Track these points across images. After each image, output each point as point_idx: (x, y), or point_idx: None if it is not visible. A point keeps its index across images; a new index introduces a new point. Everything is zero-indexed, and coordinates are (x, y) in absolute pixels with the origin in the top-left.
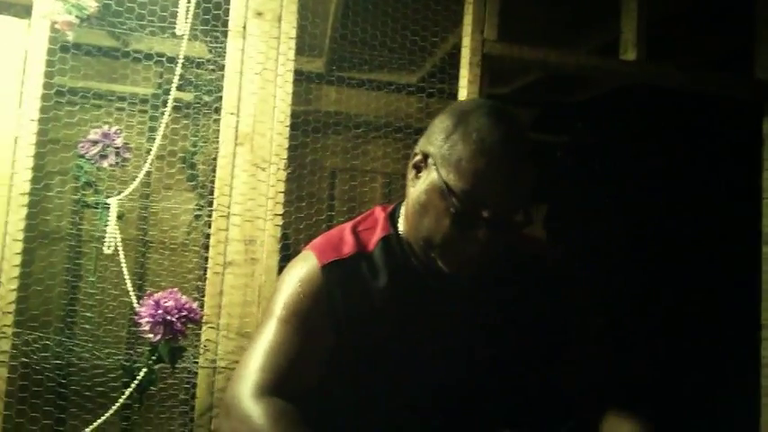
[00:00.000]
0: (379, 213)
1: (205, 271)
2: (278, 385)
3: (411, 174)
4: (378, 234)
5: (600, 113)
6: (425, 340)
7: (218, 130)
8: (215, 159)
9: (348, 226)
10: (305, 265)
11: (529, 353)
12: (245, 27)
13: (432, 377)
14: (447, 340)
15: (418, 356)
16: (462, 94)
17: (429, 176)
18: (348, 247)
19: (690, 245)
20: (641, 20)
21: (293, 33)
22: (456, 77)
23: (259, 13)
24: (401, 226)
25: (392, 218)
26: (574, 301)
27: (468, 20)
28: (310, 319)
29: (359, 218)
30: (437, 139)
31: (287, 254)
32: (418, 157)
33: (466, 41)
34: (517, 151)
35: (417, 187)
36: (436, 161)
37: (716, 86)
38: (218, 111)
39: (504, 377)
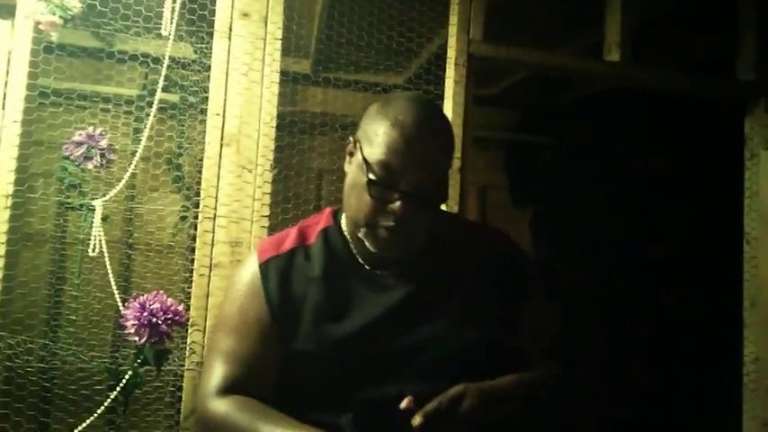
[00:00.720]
0: (326, 211)
1: (191, 273)
2: (236, 384)
3: (346, 162)
4: (320, 227)
5: (585, 115)
6: (374, 324)
7: (204, 132)
8: (201, 161)
9: (298, 224)
10: (246, 267)
11: (469, 330)
12: (230, 28)
13: (375, 359)
14: (387, 324)
15: (363, 340)
16: (449, 94)
17: (356, 157)
18: (289, 242)
19: (676, 245)
20: (625, 21)
21: (279, 34)
22: (442, 78)
23: (245, 14)
24: (342, 219)
25: (336, 213)
26: (521, 281)
27: (453, 20)
28: (254, 323)
29: (310, 218)
30: (364, 124)
31: None
32: (350, 144)
33: (452, 42)
34: (431, 129)
35: (349, 171)
36: (361, 142)
37: (699, 88)
38: (203, 112)
39: (444, 358)
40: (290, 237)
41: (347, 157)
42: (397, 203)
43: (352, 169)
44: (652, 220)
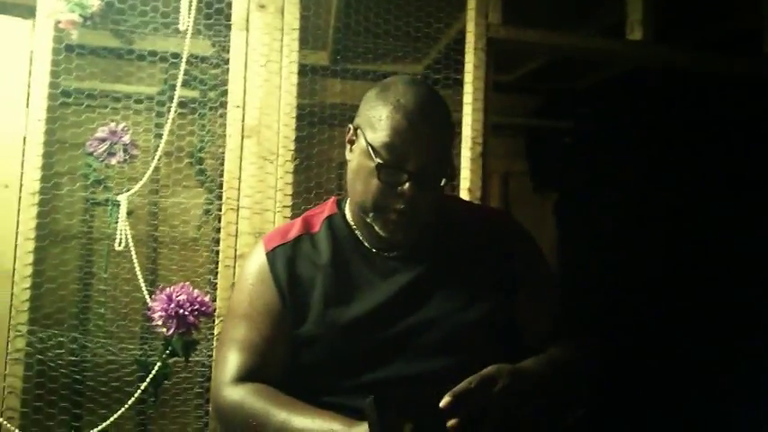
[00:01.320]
0: (330, 201)
1: (216, 265)
2: (250, 372)
3: (347, 150)
4: (324, 215)
5: (606, 98)
6: (383, 308)
7: (225, 125)
8: (222, 154)
9: (303, 215)
10: (254, 257)
11: (474, 310)
12: (247, 20)
13: (383, 341)
14: (395, 306)
15: (372, 323)
16: (468, 79)
17: (358, 144)
18: (294, 231)
19: (699, 232)
20: None
21: (296, 24)
22: (461, 64)
23: (262, 6)
24: (346, 207)
25: (340, 202)
26: (525, 262)
27: (471, 4)
28: (264, 309)
29: (314, 208)
30: (362, 110)
31: None
32: (350, 131)
33: (470, 26)
34: (433, 111)
35: (351, 158)
36: (362, 128)
37: (725, 65)
38: (223, 105)
39: (450, 337)
40: (294, 226)
41: (347, 146)
42: (406, 185)
43: (355, 156)
44: (677, 204)
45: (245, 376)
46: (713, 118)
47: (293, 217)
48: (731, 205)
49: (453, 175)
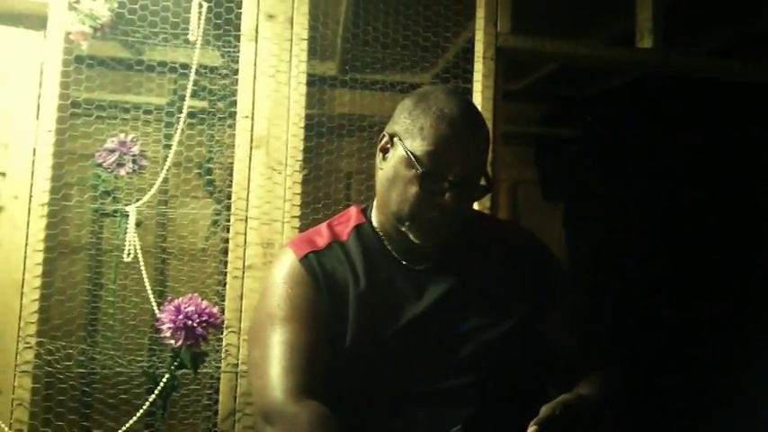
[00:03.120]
0: (353, 209)
1: (225, 276)
2: (307, 382)
3: (378, 158)
4: (351, 224)
5: (614, 106)
6: (409, 320)
7: (234, 136)
8: (231, 165)
9: (324, 223)
10: (285, 262)
11: (502, 325)
12: (257, 30)
13: (418, 355)
14: (428, 319)
15: (404, 336)
16: (477, 88)
17: (395, 153)
18: (323, 239)
19: (711, 238)
20: (657, 6)
21: (305, 35)
22: (470, 73)
23: (270, 16)
24: (373, 216)
25: (365, 211)
26: (549, 276)
27: (480, 13)
28: (306, 312)
29: (335, 217)
30: (400, 119)
31: None
32: (385, 139)
33: (479, 35)
34: (473, 120)
35: (385, 167)
36: (401, 136)
37: (736, 71)
38: (232, 116)
39: (480, 351)
40: (321, 234)
41: (379, 154)
42: (447, 194)
43: (390, 165)
44: (686, 213)
45: (302, 383)
46: (724, 125)
47: (302, 227)
48: (744, 214)
49: (491, 184)
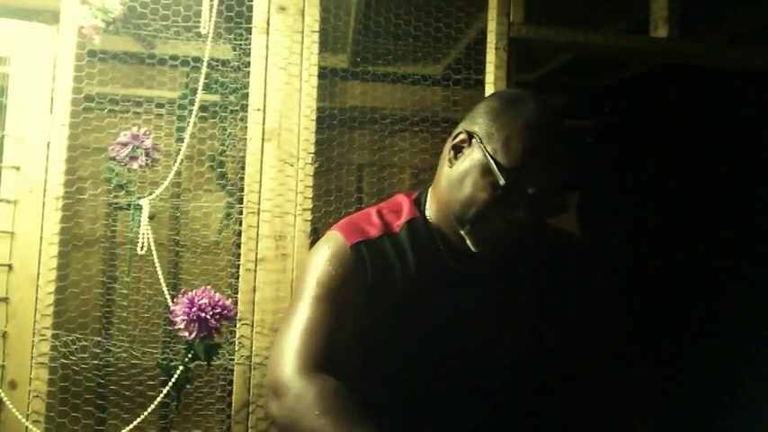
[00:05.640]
0: (403, 199)
1: (237, 269)
2: (322, 362)
3: (449, 154)
4: (404, 217)
5: (629, 97)
6: (450, 322)
7: (245, 129)
8: (243, 158)
9: (373, 210)
10: (333, 245)
11: (545, 337)
12: (268, 22)
13: (456, 356)
14: (469, 322)
15: (443, 337)
16: (489, 79)
17: (472, 154)
18: (375, 229)
19: (728, 230)
20: None
21: (316, 27)
22: (483, 64)
23: (282, 8)
24: (428, 210)
25: (417, 203)
26: (595, 289)
27: (492, 2)
28: (344, 296)
29: (383, 203)
30: (483, 120)
31: None
32: (462, 137)
33: (491, 25)
34: (559, 135)
35: (457, 165)
36: (482, 139)
37: (754, 60)
38: (244, 109)
39: (522, 357)
40: (372, 223)
41: (451, 151)
42: (521, 209)
43: (464, 164)
44: (704, 204)
45: (316, 362)
46: (740, 115)
47: (314, 220)
48: (762, 205)
49: (566, 204)
